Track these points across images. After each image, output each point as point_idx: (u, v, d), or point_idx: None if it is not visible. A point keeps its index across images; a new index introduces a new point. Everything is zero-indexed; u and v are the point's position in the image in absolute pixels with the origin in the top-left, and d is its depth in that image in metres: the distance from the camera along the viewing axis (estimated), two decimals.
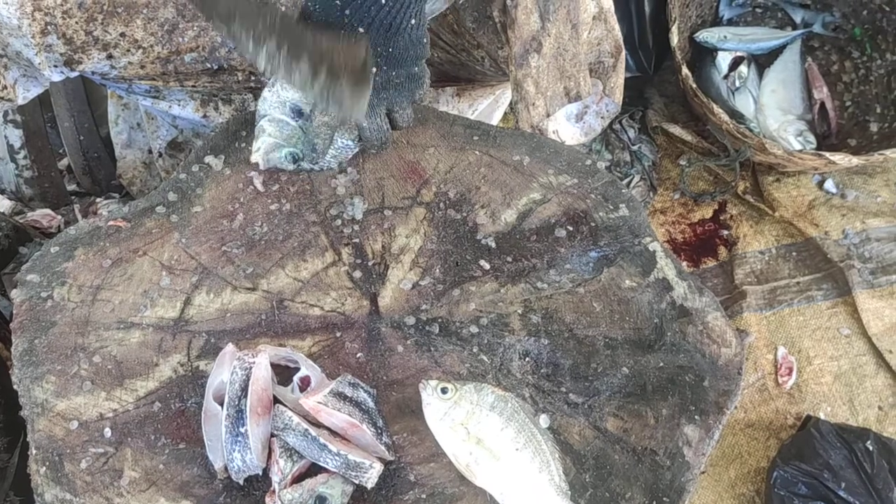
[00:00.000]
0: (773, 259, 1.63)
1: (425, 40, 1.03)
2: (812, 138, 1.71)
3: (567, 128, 1.63)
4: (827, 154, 1.53)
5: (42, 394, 0.95)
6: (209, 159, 1.13)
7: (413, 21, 0.99)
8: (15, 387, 0.96)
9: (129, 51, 1.25)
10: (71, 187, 1.68)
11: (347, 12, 0.97)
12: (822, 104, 1.78)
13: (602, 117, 1.61)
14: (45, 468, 0.90)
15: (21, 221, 1.49)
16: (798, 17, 1.89)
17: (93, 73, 1.28)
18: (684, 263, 1.66)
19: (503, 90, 1.59)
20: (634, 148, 1.75)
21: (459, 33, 1.39)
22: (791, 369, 1.50)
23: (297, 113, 1.09)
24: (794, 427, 1.45)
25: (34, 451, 0.91)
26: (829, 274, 1.58)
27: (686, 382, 0.97)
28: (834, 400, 1.48)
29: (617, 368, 0.98)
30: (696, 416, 0.95)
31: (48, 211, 1.55)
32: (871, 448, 1.29)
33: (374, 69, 1.00)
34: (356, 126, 1.10)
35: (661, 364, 0.98)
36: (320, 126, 1.10)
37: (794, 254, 1.64)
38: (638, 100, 1.84)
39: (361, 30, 0.98)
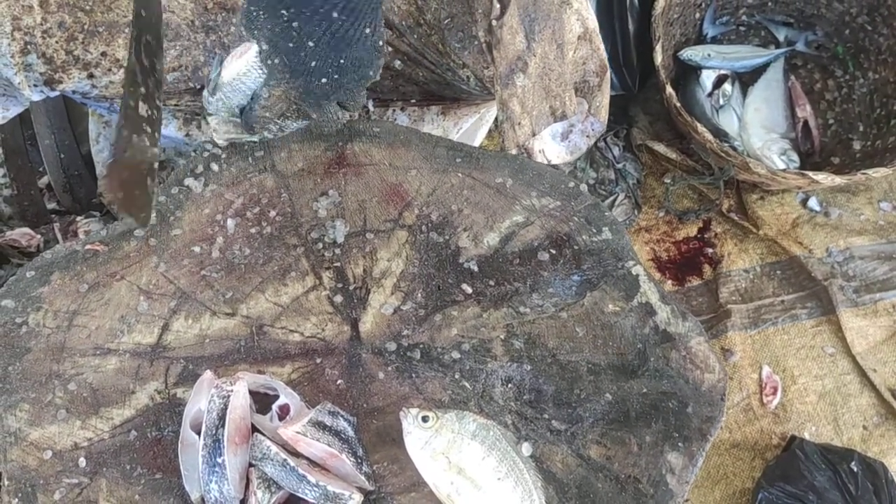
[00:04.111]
0: (758, 277, 1.63)
1: (381, 43, 1.02)
2: (795, 157, 1.72)
3: (553, 147, 1.62)
4: (810, 173, 1.53)
5: (15, 422, 0.93)
6: (189, 181, 1.12)
7: (367, 30, 0.99)
8: None
9: (110, 70, 1.24)
10: (51, 206, 1.66)
11: (296, 24, 0.96)
12: (806, 122, 1.79)
13: (588, 136, 1.60)
14: (17, 499, 0.88)
15: None
16: (781, 35, 1.90)
17: (73, 92, 1.26)
18: (669, 282, 1.65)
19: (488, 108, 1.59)
20: (619, 166, 1.75)
21: (445, 53, 1.38)
22: (776, 388, 1.50)
23: (241, 110, 1.09)
24: (779, 447, 1.44)
25: (6, 482, 0.89)
26: (813, 292, 1.59)
27: (669, 409, 0.96)
28: (819, 419, 1.47)
29: (600, 394, 0.97)
30: (680, 443, 0.94)
31: (27, 230, 1.53)
32: (855, 469, 1.29)
33: (325, 80, 1.00)
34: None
35: (645, 390, 0.98)
36: (264, 118, 1.09)
37: (778, 272, 1.64)
38: (622, 118, 1.84)
39: (311, 44, 0.97)
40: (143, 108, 1.01)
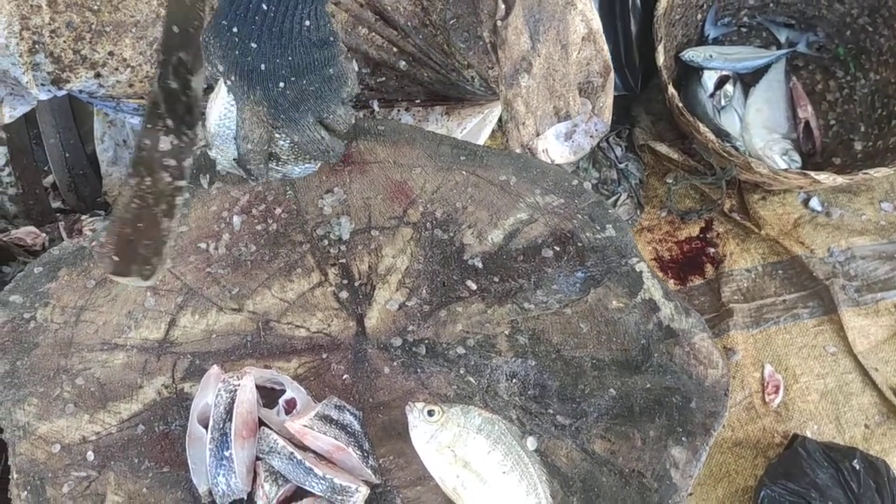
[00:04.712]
0: (760, 277, 1.64)
1: (332, 39, 0.97)
2: (797, 157, 1.72)
3: (556, 146, 1.63)
4: (812, 173, 1.54)
5: (24, 416, 0.94)
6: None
7: (308, 23, 0.94)
8: None
9: (117, 69, 1.25)
10: (56, 204, 1.67)
11: (235, 30, 0.93)
12: (807, 123, 1.79)
13: (591, 136, 1.61)
14: (26, 492, 0.89)
15: (5, 239, 1.47)
16: (783, 36, 1.91)
17: (80, 91, 1.27)
18: (671, 281, 1.66)
19: (491, 108, 1.59)
20: (622, 166, 1.75)
21: (450, 53, 1.39)
22: (778, 387, 1.51)
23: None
24: (781, 445, 1.45)
25: (15, 475, 0.90)
26: (814, 292, 1.59)
27: (673, 404, 0.97)
28: (821, 418, 1.48)
29: (604, 390, 0.98)
30: (684, 438, 0.95)
31: (32, 228, 1.54)
32: (857, 467, 1.30)
33: (283, 84, 0.95)
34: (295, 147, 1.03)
35: (649, 385, 0.98)
36: (253, 155, 1.03)
37: (780, 272, 1.64)
38: (625, 118, 1.84)
39: (254, 45, 0.93)
40: (164, 143, 0.99)
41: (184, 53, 1.02)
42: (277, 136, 1.00)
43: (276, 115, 0.98)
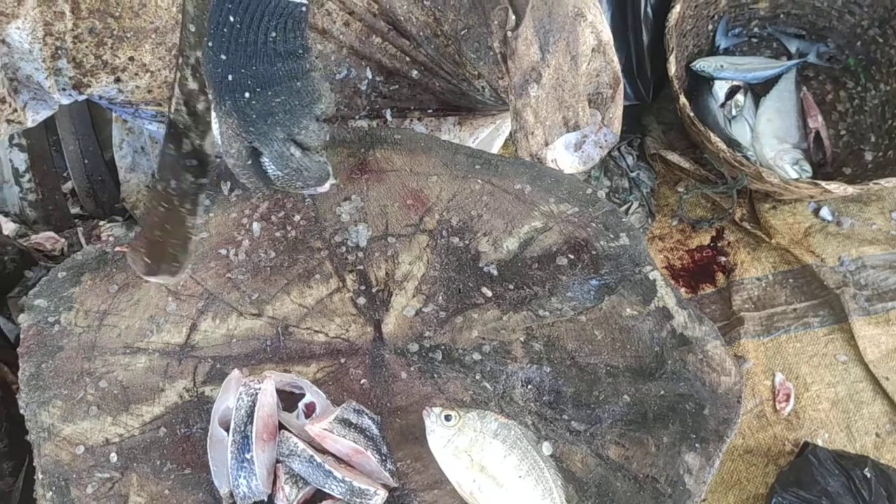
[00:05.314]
0: (770, 285, 1.65)
1: (300, 51, 0.96)
2: (808, 167, 1.74)
3: (565, 156, 1.65)
4: (823, 183, 1.55)
5: (48, 418, 0.95)
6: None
7: (274, 34, 0.93)
8: (22, 411, 0.96)
9: (136, 74, 1.27)
10: (74, 210, 1.69)
11: (210, 44, 0.94)
12: (818, 133, 1.81)
13: (600, 147, 1.63)
14: (51, 493, 0.90)
15: (25, 244, 1.49)
16: (793, 47, 1.92)
17: (100, 97, 1.29)
18: (682, 290, 1.67)
19: (503, 119, 1.61)
20: (633, 175, 1.77)
21: (461, 63, 1.41)
22: (789, 395, 1.51)
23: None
24: (792, 453, 1.46)
25: (40, 476, 0.91)
26: (825, 301, 1.60)
27: (686, 410, 0.98)
28: (832, 426, 1.49)
29: (618, 396, 0.99)
30: (697, 444, 0.96)
31: (52, 234, 1.56)
32: (868, 475, 1.30)
33: (248, 94, 0.95)
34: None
35: (662, 392, 1.00)
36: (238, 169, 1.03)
37: (790, 280, 1.65)
38: (636, 127, 1.86)
39: (223, 56, 0.93)
40: (187, 144, 1.02)
41: (200, 53, 1.04)
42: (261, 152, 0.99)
43: (245, 128, 0.97)
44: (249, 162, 1.00)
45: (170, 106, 1.04)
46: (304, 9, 0.95)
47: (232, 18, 0.92)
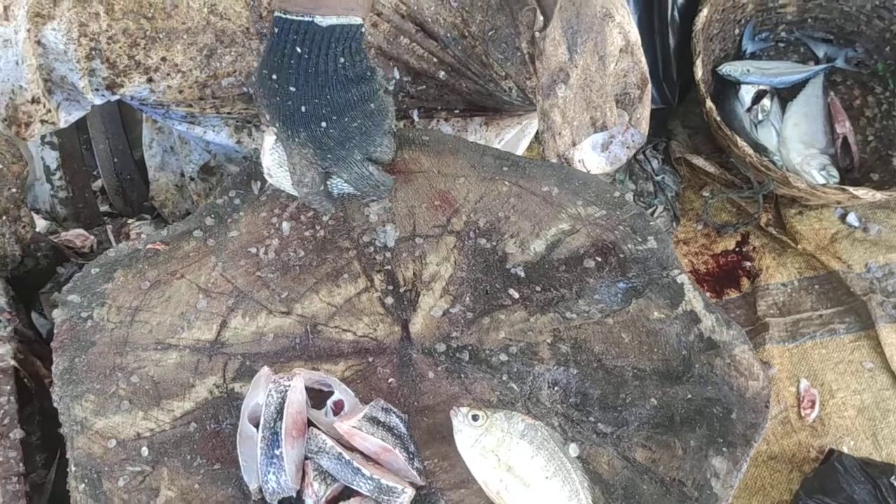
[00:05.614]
0: (796, 291, 1.64)
1: (369, 73, 0.99)
2: (835, 172, 1.72)
3: (593, 157, 1.64)
4: (850, 189, 1.54)
5: (81, 412, 0.97)
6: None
7: (342, 60, 0.96)
8: (55, 404, 0.98)
9: (168, 75, 1.29)
10: (104, 208, 1.71)
11: (275, 76, 0.96)
12: (845, 138, 1.79)
13: (628, 147, 1.62)
14: (83, 485, 0.92)
15: (55, 241, 1.52)
16: (821, 51, 1.91)
17: (132, 97, 1.31)
18: (707, 294, 1.66)
19: (530, 120, 1.61)
20: (658, 178, 1.76)
21: (488, 64, 1.42)
22: (814, 402, 1.50)
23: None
24: (816, 460, 1.45)
25: (73, 468, 0.93)
26: (851, 307, 1.59)
27: (714, 414, 0.98)
28: (857, 434, 1.47)
29: (645, 399, 0.99)
30: (724, 448, 0.96)
31: (81, 231, 1.58)
32: (895, 483, 1.29)
33: (325, 124, 0.97)
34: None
35: (689, 396, 0.99)
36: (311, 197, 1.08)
37: (816, 286, 1.64)
38: (661, 131, 1.86)
39: (292, 88, 0.96)
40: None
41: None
42: (333, 176, 1.03)
43: (323, 156, 1.00)
44: (322, 188, 1.04)
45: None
46: (362, 28, 0.97)
47: (299, 49, 0.94)
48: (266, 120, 1.01)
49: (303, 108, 0.97)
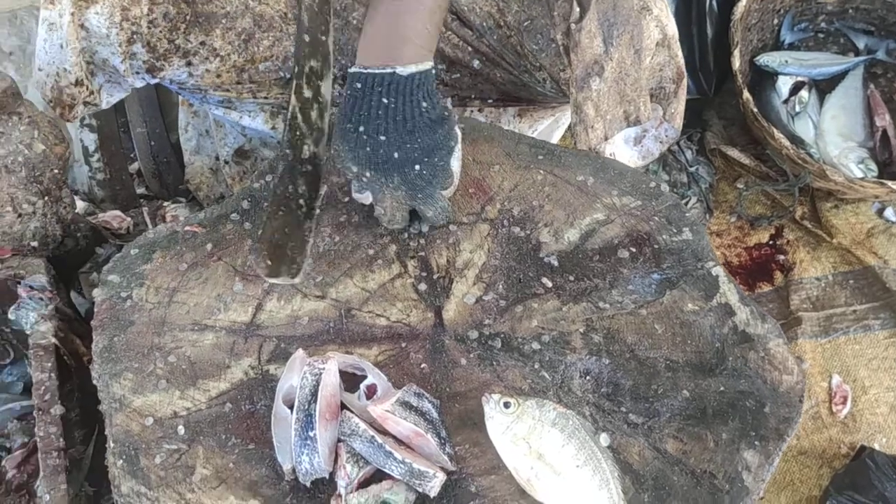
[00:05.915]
0: (830, 286, 1.62)
1: (446, 113, 1.04)
2: (873, 166, 1.70)
3: (624, 151, 1.63)
4: (890, 183, 1.52)
5: (120, 390, 0.99)
6: None
7: (425, 104, 1.01)
8: (94, 382, 1.00)
9: (207, 59, 1.30)
10: (140, 190, 1.74)
11: (361, 129, 1.00)
12: (885, 132, 1.76)
13: (661, 142, 1.61)
14: (121, 461, 0.94)
15: (93, 222, 1.54)
16: (861, 43, 1.88)
17: (171, 81, 1.33)
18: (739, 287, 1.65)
19: (563, 112, 1.61)
20: (692, 169, 1.75)
21: (523, 55, 1.41)
22: (846, 398, 1.49)
23: None
24: (847, 456, 1.44)
25: (112, 445, 0.95)
26: (887, 303, 1.57)
27: (746, 408, 0.98)
28: (890, 431, 1.46)
29: (678, 391, 0.99)
30: (756, 442, 0.95)
31: (118, 212, 1.61)
32: None
33: (418, 166, 1.02)
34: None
35: (722, 388, 0.99)
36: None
37: (851, 281, 1.62)
38: (696, 121, 1.84)
39: (382, 137, 1.00)
40: (305, 151, 1.09)
41: (314, 61, 1.10)
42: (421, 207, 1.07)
43: (414, 196, 1.05)
44: (408, 222, 1.10)
45: (287, 117, 1.11)
46: (433, 71, 1.02)
47: (385, 100, 0.99)
48: (353, 173, 1.05)
49: (395, 154, 1.02)
